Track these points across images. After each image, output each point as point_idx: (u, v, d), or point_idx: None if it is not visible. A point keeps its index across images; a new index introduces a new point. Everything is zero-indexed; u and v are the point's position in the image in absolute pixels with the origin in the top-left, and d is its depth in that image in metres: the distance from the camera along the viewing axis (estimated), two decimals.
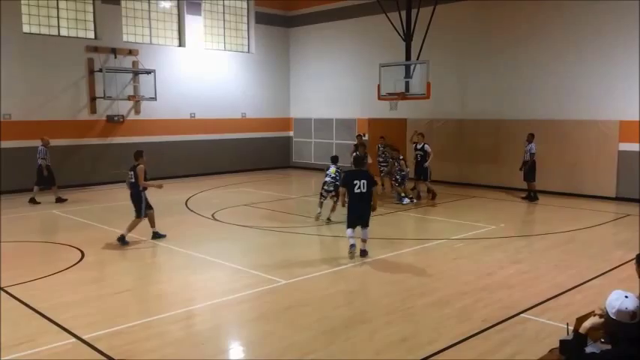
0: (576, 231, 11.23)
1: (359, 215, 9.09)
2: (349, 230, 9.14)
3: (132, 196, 10.43)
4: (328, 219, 12.21)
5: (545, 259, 9.08)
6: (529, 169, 14.67)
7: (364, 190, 8.94)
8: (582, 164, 15.40)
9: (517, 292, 7.41)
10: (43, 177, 14.90)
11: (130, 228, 10.27)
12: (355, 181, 8.94)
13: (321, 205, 12.43)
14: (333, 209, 12.31)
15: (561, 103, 15.74)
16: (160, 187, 10.67)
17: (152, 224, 10.56)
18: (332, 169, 12.44)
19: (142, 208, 10.39)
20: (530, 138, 14.66)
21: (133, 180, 10.27)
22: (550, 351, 4.20)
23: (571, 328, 3.90)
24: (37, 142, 16.77)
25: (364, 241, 9.15)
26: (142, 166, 10.27)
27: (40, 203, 14.74)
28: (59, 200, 15.00)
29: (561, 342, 3.86)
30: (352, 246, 9.02)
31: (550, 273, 8.30)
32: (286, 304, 7.06)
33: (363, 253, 9.11)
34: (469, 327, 6.11)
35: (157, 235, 10.54)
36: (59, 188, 15.34)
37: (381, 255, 9.42)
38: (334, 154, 13.52)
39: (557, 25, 15.68)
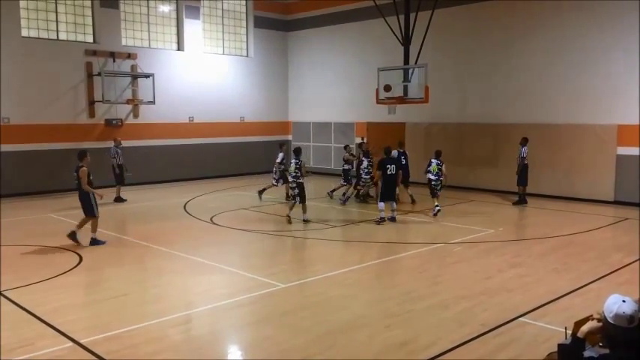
0: (575, 235, 11.24)
1: (390, 192, 12.21)
2: (381, 204, 12.24)
3: (79, 196, 10.39)
4: (305, 220, 12.28)
5: (544, 263, 9.08)
6: (520, 172, 14.72)
7: (393, 172, 12.20)
8: (581, 168, 15.42)
9: (516, 295, 7.41)
10: (120, 175, 15.43)
11: (93, 228, 10.30)
12: (387, 166, 12.13)
13: (291, 207, 12.51)
14: (304, 210, 12.39)
15: (560, 107, 15.77)
16: (101, 197, 10.51)
17: (93, 229, 10.33)
18: (292, 167, 12.37)
19: (93, 206, 10.27)
20: (524, 142, 14.70)
21: (76, 181, 10.23)
22: (548, 355, 4.21)
23: (569, 332, 3.90)
24: (36, 146, 16.83)
25: (394, 210, 12.30)
26: (84, 168, 10.19)
27: (126, 200, 15.29)
28: (118, 200, 15.30)
29: (559, 346, 3.86)
30: (382, 219, 12.09)
31: (549, 277, 8.31)
32: (285, 308, 7.06)
33: (393, 219, 12.20)
34: (468, 331, 6.11)
35: (95, 242, 10.26)
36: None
37: (380, 259, 9.42)
38: (298, 146, 13.30)
39: (556, 29, 15.73)
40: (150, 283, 8.43)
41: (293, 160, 12.47)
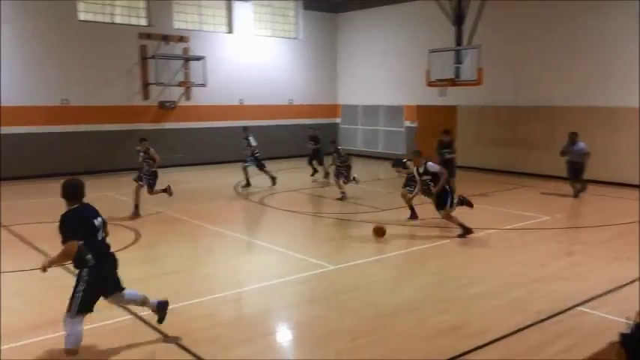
0: (636, 223, 10.74)
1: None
2: None
3: None
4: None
5: (604, 251, 8.73)
6: (581, 167, 13.41)
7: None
8: None
9: (572, 284, 7.17)
10: None
11: None
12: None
13: None
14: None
15: (620, 89, 14.97)
16: None
17: None
18: None
19: None
20: (575, 137, 13.36)
21: None
22: (610, 344, 4.05)
23: (631, 322, 3.74)
24: (94, 127, 17.45)
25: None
26: None
27: None
28: None
29: (622, 335, 3.71)
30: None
31: (608, 265, 7.99)
32: (335, 289, 7.08)
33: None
34: (522, 318, 5.96)
35: None
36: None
37: (431, 243, 9.31)
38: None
39: (617, 5, 14.89)
40: (202, 261, 8.63)
41: None
